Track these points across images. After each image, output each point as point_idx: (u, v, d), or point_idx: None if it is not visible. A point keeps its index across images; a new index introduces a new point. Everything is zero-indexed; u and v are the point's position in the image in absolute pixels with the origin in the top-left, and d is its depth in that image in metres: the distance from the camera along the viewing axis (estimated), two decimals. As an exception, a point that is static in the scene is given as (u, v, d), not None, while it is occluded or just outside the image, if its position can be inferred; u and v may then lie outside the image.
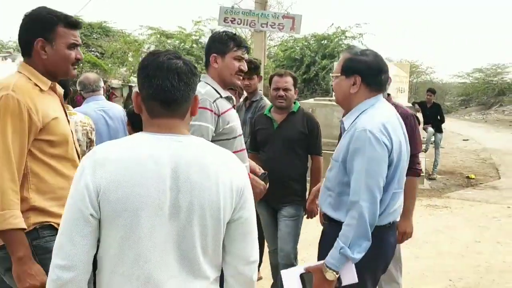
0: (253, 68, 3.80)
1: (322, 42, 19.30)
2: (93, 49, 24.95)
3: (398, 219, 2.39)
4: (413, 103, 9.91)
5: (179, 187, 1.37)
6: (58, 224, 1.58)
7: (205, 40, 16.55)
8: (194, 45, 16.20)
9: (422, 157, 8.87)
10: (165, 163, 1.37)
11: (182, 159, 1.39)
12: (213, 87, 2.61)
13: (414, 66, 30.77)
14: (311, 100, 9.60)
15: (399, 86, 10.37)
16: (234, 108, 2.77)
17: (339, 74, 2.26)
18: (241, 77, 2.71)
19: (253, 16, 7.09)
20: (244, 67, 2.65)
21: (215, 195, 1.41)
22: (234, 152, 2.40)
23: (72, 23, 2.05)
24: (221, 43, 2.62)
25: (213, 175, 1.41)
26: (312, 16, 28.72)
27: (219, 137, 2.55)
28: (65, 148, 2.03)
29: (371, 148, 2.08)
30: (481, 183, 9.46)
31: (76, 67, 2.13)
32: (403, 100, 10.31)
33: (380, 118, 2.16)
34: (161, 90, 1.41)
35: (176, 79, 1.42)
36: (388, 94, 3.26)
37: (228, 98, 2.67)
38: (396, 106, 3.15)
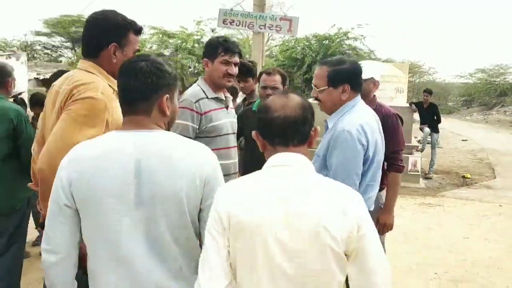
0: (246, 71, 3.92)
1: (324, 42, 19.45)
2: (96, 48, 25.20)
3: (371, 209, 2.58)
4: (410, 103, 10.05)
5: (141, 179, 1.49)
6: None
7: (206, 39, 16.75)
8: (196, 45, 16.37)
9: (418, 156, 9.09)
10: (128, 157, 1.49)
11: (145, 152, 1.51)
12: (202, 89, 2.83)
13: (416, 66, 30.91)
14: (310, 100, 9.74)
15: (397, 87, 10.47)
16: (227, 109, 2.93)
17: (326, 87, 2.41)
18: (230, 80, 2.87)
19: (252, 18, 7.28)
20: (232, 70, 2.81)
21: (176, 186, 1.49)
22: (216, 149, 2.63)
23: (139, 30, 2.18)
24: (211, 49, 2.84)
25: (174, 166, 1.50)
26: (313, 16, 28.86)
27: (202, 135, 2.73)
28: None
29: (347, 146, 2.29)
30: (476, 183, 9.62)
31: None
32: (402, 100, 10.44)
33: (358, 120, 2.38)
34: (122, 90, 1.58)
35: (133, 79, 1.54)
36: (374, 96, 3.45)
37: (217, 99, 2.85)
38: (380, 106, 3.35)
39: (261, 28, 7.33)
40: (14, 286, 3.38)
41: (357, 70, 2.47)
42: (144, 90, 1.55)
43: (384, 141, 2.58)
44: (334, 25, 19.31)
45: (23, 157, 3.23)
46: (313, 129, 1.54)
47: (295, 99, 1.53)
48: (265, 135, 1.54)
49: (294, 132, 1.50)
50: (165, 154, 1.52)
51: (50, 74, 20.06)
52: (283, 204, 1.39)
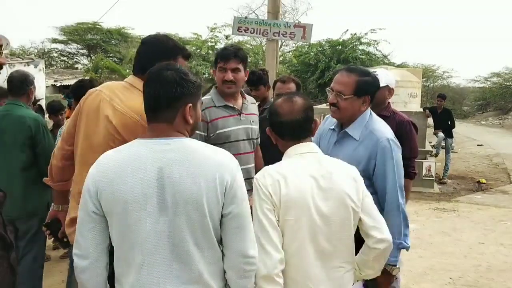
0: (256, 79, 3.99)
1: (337, 47, 19.49)
2: (111, 55, 25.58)
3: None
4: (424, 109, 10.04)
5: (164, 185, 1.54)
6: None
7: (220, 46, 16.88)
8: (210, 51, 16.52)
9: (432, 161, 9.08)
10: (151, 164, 1.55)
11: (167, 159, 1.56)
12: (212, 97, 2.94)
13: (430, 70, 30.71)
14: (323, 105, 9.81)
15: (411, 92, 10.49)
16: (240, 116, 2.95)
17: (352, 95, 2.43)
18: (230, 86, 2.90)
19: (266, 26, 7.38)
20: (227, 77, 2.87)
21: (197, 191, 1.55)
22: None
23: (188, 56, 2.29)
24: (215, 58, 3.00)
25: (196, 172, 1.56)
26: (327, 21, 28.95)
27: (211, 142, 2.75)
28: None
29: (396, 154, 2.40)
30: (491, 188, 9.57)
31: None
32: (416, 106, 10.44)
33: (386, 127, 2.49)
34: (147, 98, 1.63)
35: (158, 87, 1.60)
36: (388, 102, 3.50)
37: (226, 107, 2.93)
38: (395, 113, 3.40)
39: (275, 36, 7.42)
40: (36, 289, 3.51)
41: (378, 84, 2.56)
42: (169, 99, 1.60)
43: None
44: (348, 30, 19.37)
45: (41, 165, 3.34)
46: (314, 121, 2.02)
47: (298, 102, 1.97)
48: (277, 133, 2.01)
49: (301, 131, 1.97)
50: (187, 161, 1.56)
51: (66, 81, 20.40)
52: (316, 181, 1.87)
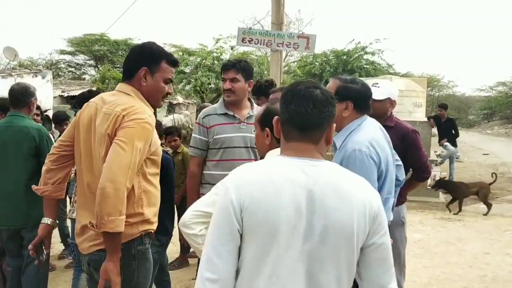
0: (256, 90, 4.17)
1: (342, 57, 19.54)
2: (118, 66, 25.76)
3: (391, 219, 2.64)
4: (428, 118, 10.06)
5: (314, 210, 1.42)
6: (154, 231, 2.13)
7: (226, 57, 16.99)
8: (215, 62, 16.63)
9: (437, 171, 9.06)
10: (301, 186, 1.43)
11: (317, 182, 1.44)
12: (215, 106, 3.27)
13: (435, 80, 30.71)
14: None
15: (416, 101, 10.48)
16: (239, 124, 3.17)
17: None
18: (229, 95, 3.17)
19: (270, 36, 7.45)
20: (226, 86, 3.16)
21: (349, 219, 1.43)
22: (218, 160, 3.12)
23: (174, 61, 2.31)
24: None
25: (347, 199, 1.44)
26: (331, 31, 29.07)
27: (211, 146, 3.17)
28: (158, 165, 2.32)
29: (360, 165, 2.35)
30: (497, 197, 9.52)
31: (165, 99, 2.43)
32: (420, 115, 10.44)
33: (367, 137, 2.45)
34: (296, 115, 1.50)
35: (311, 106, 1.49)
36: (391, 113, 3.51)
37: (226, 115, 3.20)
38: (398, 123, 3.42)
39: (279, 46, 7.49)
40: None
41: (366, 93, 2.55)
42: (321, 119, 1.51)
43: (394, 155, 2.67)
44: (353, 40, 19.38)
45: None
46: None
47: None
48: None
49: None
50: (337, 185, 1.47)
51: (74, 92, 20.57)
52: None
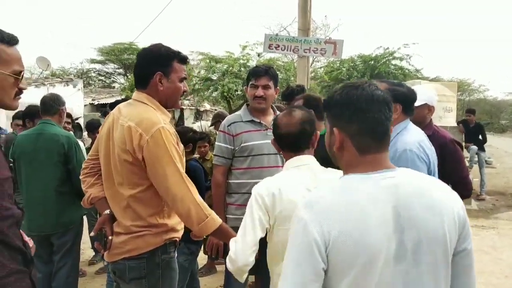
0: (287, 94, 4.10)
1: (370, 62, 19.35)
2: (147, 74, 26.19)
3: None
4: (458, 123, 9.87)
5: (403, 227, 1.29)
6: (179, 238, 2.18)
7: (252, 63, 17.03)
8: (242, 69, 16.68)
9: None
10: (385, 204, 1.29)
11: (400, 195, 1.31)
12: (240, 113, 3.20)
13: (465, 84, 30.06)
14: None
15: (446, 106, 10.28)
16: (266, 131, 3.08)
17: None
18: (261, 102, 3.12)
19: (296, 42, 7.43)
20: (258, 93, 3.10)
21: (441, 228, 1.31)
22: (246, 168, 3.06)
23: (184, 59, 2.29)
24: (247, 76, 3.25)
25: (436, 206, 1.32)
26: (358, 36, 28.84)
27: (237, 154, 3.11)
28: None
29: (412, 165, 2.33)
30: (533, 204, 9.20)
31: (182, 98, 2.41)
32: (451, 120, 10.23)
33: (415, 138, 2.45)
34: (376, 123, 1.34)
35: (387, 110, 1.36)
36: (430, 120, 3.37)
37: (252, 122, 3.15)
38: (436, 131, 3.27)
39: (305, 52, 7.46)
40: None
41: (412, 96, 2.58)
42: (390, 122, 1.38)
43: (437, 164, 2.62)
44: (381, 46, 19.17)
45: (75, 181, 3.44)
46: (314, 134, 2.11)
47: (296, 116, 2.09)
48: (278, 144, 2.16)
49: (297, 143, 2.09)
50: (420, 195, 1.33)
51: (103, 100, 20.97)
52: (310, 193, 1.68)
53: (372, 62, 19.17)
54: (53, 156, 3.50)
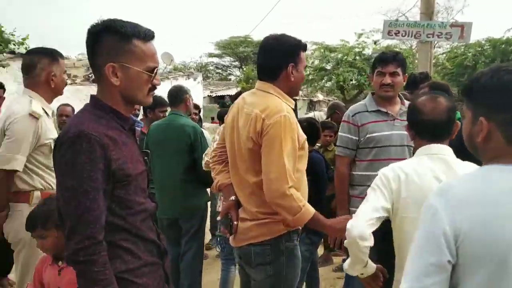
0: (411, 83, 3.86)
1: (500, 47, 17.65)
2: (261, 66, 26.77)
3: None
4: None
5: None
6: (300, 228, 2.19)
7: (368, 52, 16.54)
8: (357, 57, 16.29)
9: None
10: None
11: None
12: (365, 103, 3.06)
13: None
14: None
15: None
16: (394, 121, 2.95)
17: None
18: (388, 90, 2.94)
19: (419, 27, 6.97)
20: (385, 80, 2.91)
21: None
22: (370, 160, 2.93)
23: (306, 47, 2.36)
24: (373, 63, 3.09)
25: None
26: (485, 18, 26.44)
27: (362, 146, 2.98)
28: (304, 162, 2.31)
29: None
30: None
31: None
32: None
33: None
34: None
35: None
36: None
37: (378, 112, 2.98)
38: None
39: (428, 37, 6.97)
40: (196, 284, 3.79)
41: None
42: None
43: None
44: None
45: (199, 168, 3.61)
46: (455, 124, 2.00)
47: (442, 103, 1.98)
48: (416, 131, 2.03)
49: (441, 131, 1.98)
50: None
51: (221, 92, 21.88)
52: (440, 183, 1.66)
53: (503, 46, 17.45)
54: (180, 146, 3.69)
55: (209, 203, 4.42)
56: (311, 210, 2.13)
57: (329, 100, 22.58)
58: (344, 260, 5.08)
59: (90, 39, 1.60)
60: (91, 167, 1.47)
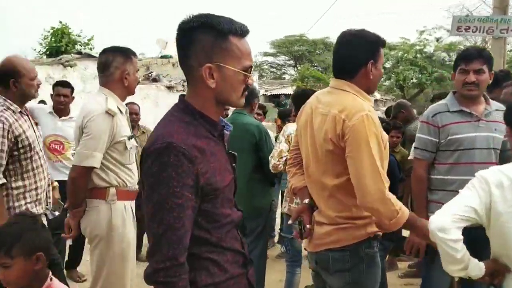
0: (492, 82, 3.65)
1: None
2: (315, 64, 26.54)
3: None
4: None
5: None
6: (381, 235, 2.08)
7: (430, 49, 15.96)
8: (418, 55, 15.77)
9: None
10: None
11: None
12: (446, 103, 2.87)
13: None
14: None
15: None
16: (478, 122, 2.76)
17: None
18: (471, 88, 2.76)
19: (491, 22, 6.60)
20: (469, 79, 2.73)
21: None
22: (452, 164, 2.74)
23: (385, 43, 2.23)
24: (455, 60, 2.90)
25: None
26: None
27: (443, 148, 2.79)
28: (384, 162, 2.20)
29: None
30: None
31: None
32: None
33: None
34: None
35: None
36: None
37: (461, 112, 2.79)
38: None
39: (502, 33, 6.59)
40: (259, 284, 3.75)
41: None
42: None
43: None
44: None
45: (266, 168, 3.59)
46: None
47: None
48: None
49: None
50: None
51: (275, 91, 21.86)
52: None
53: None
54: (245, 145, 3.66)
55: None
56: (406, 212, 2.01)
57: (386, 99, 22.03)
58: (409, 266, 4.97)
59: (183, 37, 1.48)
60: (177, 183, 1.37)
